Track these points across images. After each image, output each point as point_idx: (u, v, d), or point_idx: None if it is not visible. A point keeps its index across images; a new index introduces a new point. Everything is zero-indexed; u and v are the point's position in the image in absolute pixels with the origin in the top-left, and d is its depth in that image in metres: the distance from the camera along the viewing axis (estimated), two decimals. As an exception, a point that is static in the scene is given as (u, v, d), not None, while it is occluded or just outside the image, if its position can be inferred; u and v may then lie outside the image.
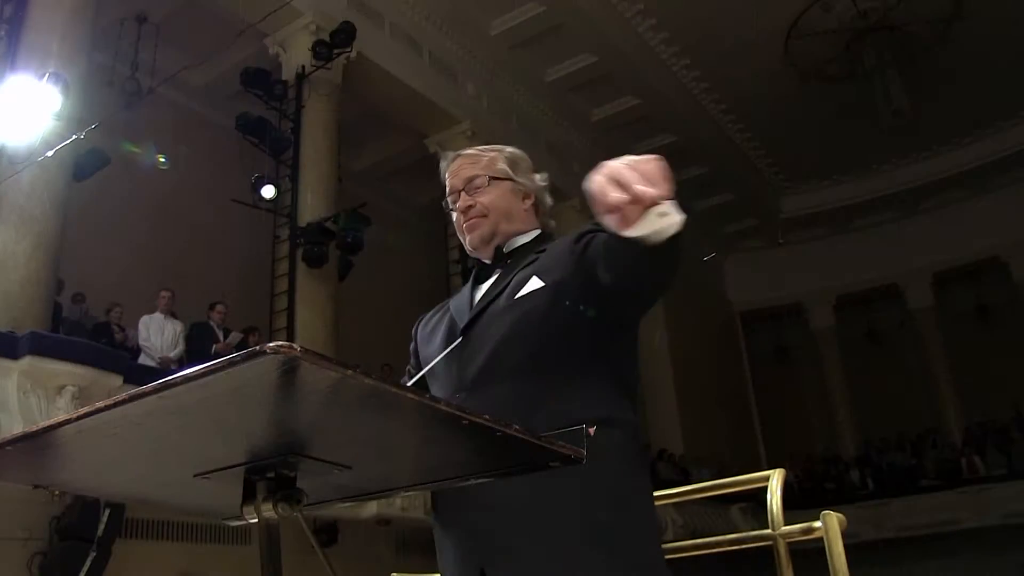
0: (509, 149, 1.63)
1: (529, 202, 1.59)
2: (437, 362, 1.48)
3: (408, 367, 1.68)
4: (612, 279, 1.28)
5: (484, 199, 1.55)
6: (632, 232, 1.09)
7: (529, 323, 1.39)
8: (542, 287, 1.41)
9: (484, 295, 1.50)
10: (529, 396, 1.34)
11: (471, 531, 1.35)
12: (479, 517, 1.33)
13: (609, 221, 1.09)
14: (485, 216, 1.55)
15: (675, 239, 1.12)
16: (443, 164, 1.65)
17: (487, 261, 1.57)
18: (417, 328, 1.67)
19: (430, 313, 1.67)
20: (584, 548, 1.25)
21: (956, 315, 17.03)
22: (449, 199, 1.61)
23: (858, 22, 12.64)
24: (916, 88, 12.87)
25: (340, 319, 8.75)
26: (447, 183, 1.62)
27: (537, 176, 1.63)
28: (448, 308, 1.59)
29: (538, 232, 1.58)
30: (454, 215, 1.60)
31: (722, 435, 15.40)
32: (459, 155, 1.63)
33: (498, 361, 1.39)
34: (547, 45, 11.99)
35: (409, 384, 1.41)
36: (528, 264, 1.48)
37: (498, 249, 1.56)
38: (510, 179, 1.57)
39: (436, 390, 1.49)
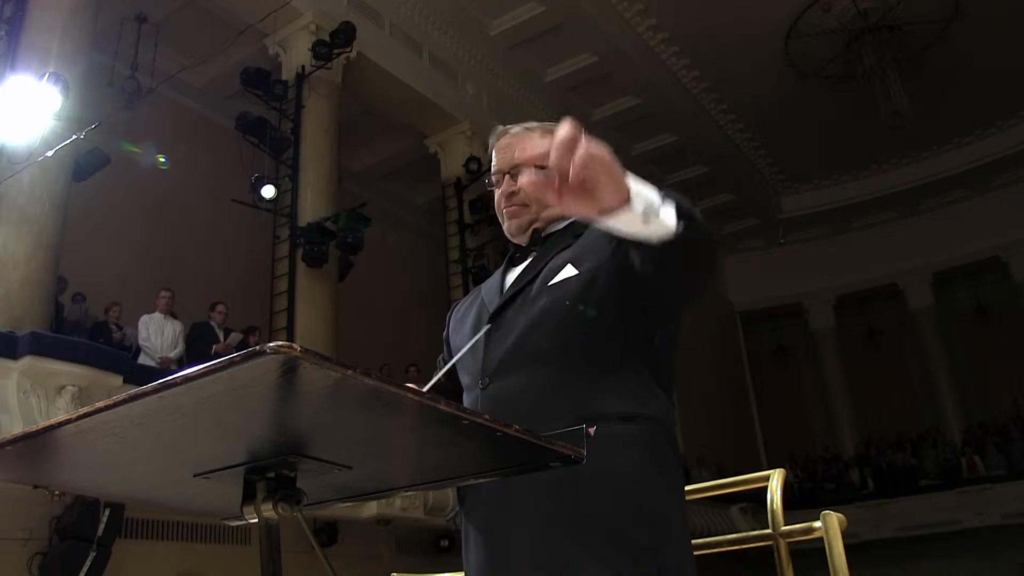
0: None
1: None
2: (466, 348, 1.45)
3: (440, 356, 1.64)
4: (648, 270, 1.23)
5: (527, 193, 1.48)
6: (609, 222, 1.07)
7: (559, 310, 1.35)
8: (575, 275, 1.38)
9: (516, 280, 1.48)
10: (553, 385, 1.31)
11: (486, 532, 1.32)
12: (492, 517, 1.31)
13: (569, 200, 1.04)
14: (527, 205, 1.51)
15: (689, 235, 1.10)
16: (491, 138, 1.60)
17: (523, 244, 1.54)
18: (450, 315, 1.65)
19: (463, 299, 1.65)
20: (590, 549, 1.21)
21: (956, 315, 17.04)
22: (493, 177, 1.56)
23: (858, 22, 12.64)
24: (916, 88, 12.87)
25: (340, 319, 8.75)
26: (493, 160, 1.57)
27: None
28: (480, 293, 1.57)
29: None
30: (495, 193, 1.56)
31: (722, 435, 15.41)
32: (508, 132, 1.58)
33: (525, 348, 1.36)
34: (547, 45, 11.99)
35: (440, 373, 1.40)
36: (564, 249, 1.45)
37: (535, 233, 1.52)
38: None
39: (463, 376, 1.47)
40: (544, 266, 1.44)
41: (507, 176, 1.53)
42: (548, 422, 1.21)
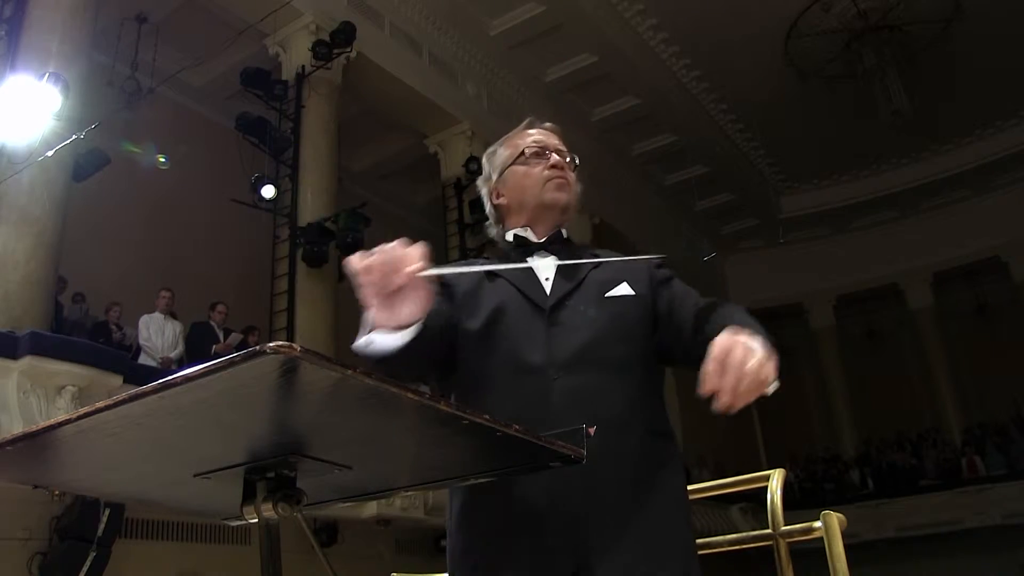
0: None
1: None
2: (519, 326, 1.40)
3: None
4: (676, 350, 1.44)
5: (571, 177, 1.59)
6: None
7: (623, 326, 1.42)
8: (633, 295, 1.45)
9: (562, 276, 1.47)
10: (623, 396, 1.38)
11: (562, 526, 1.29)
12: (572, 511, 1.29)
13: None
14: (571, 187, 1.57)
15: None
16: (530, 119, 1.65)
17: (535, 239, 1.54)
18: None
19: (447, 267, 1.57)
20: (680, 547, 1.35)
21: (956, 315, 17.02)
22: (534, 148, 1.58)
23: (858, 22, 12.63)
24: (916, 88, 12.86)
25: (340, 319, 8.74)
26: (535, 137, 1.60)
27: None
28: (481, 268, 1.52)
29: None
30: (531, 164, 1.56)
31: (722, 435, 15.39)
32: (552, 126, 1.64)
33: (595, 351, 1.39)
34: (547, 45, 11.98)
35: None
36: (598, 265, 1.50)
37: (556, 230, 1.56)
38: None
39: (508, 350, 1.40)
40: (588, 274, 1.47)
41: (554, 154, 1.57)
42: (623, 430, 1.34)
